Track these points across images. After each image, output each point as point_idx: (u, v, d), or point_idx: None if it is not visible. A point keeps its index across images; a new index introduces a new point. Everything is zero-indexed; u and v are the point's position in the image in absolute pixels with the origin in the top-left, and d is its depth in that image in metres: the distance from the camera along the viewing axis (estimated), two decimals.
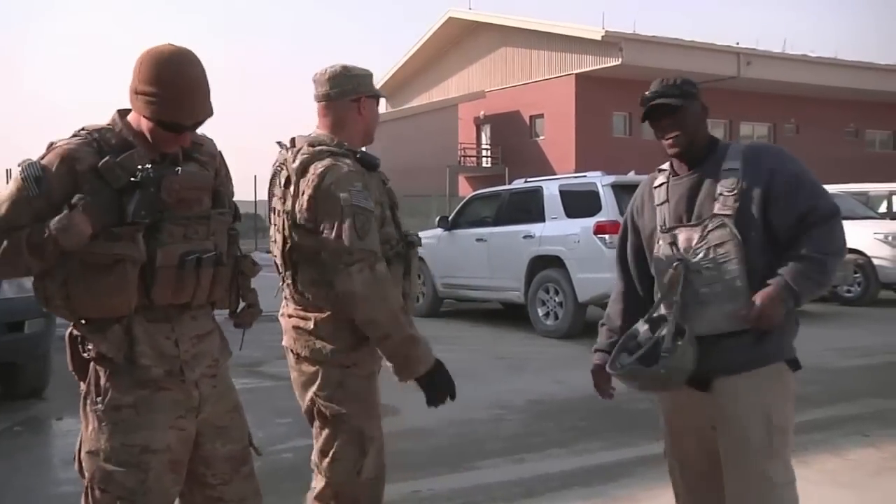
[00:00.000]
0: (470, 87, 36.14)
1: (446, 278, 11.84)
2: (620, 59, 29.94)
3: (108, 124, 2.25)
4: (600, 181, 9.95)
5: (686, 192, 2.63)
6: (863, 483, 4.44)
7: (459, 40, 37.01)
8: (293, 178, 2.64)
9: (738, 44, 32.59)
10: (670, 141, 2.62)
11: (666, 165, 2.77)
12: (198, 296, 2.29)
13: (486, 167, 36.04)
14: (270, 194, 2.81)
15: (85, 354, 2.23)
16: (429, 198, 28.98)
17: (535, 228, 10.40)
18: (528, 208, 10.67)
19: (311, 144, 2.69)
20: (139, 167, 2.14)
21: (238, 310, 2.47)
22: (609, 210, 9.67)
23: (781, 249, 2.51)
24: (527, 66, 34.23)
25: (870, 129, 38.62)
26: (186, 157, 2.32)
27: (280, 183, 2.74)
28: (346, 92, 2.75)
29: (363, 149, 2.80)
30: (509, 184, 13.16)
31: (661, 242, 2.66)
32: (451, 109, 35.13)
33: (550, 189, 10.54)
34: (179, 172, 2.21)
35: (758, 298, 2.45)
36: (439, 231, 12.06)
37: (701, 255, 2.54)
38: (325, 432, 2.78)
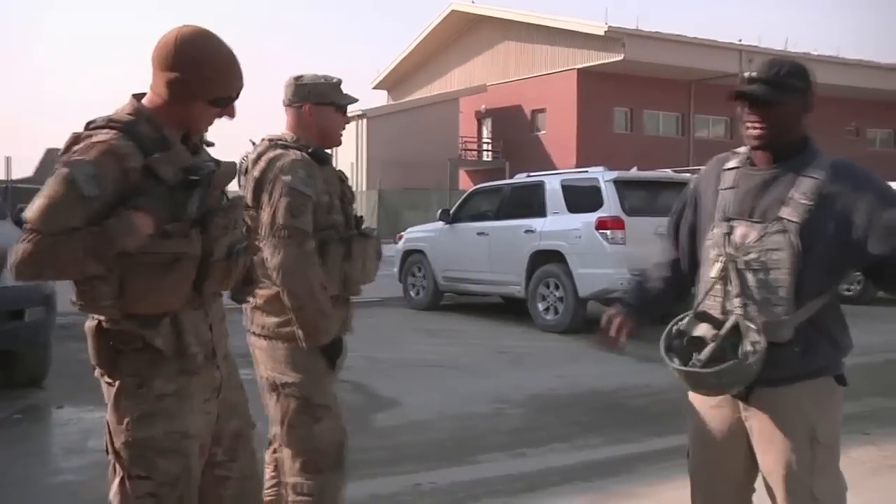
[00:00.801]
0: (471, 81, 36.11)
1: (447, 272, 11.83)
2: (623, 55, 29.92)
3: (130, 114, 2.18)
4: (602, 176, 9.94)
5: (758, 185, 2.42)
6: (862, 481, 4.44)
7: (462, 34, 36.98)
8: (249, 167, 2.99)
9: (740, 41, 32.60)
10: (755, 132, 2.39)
11: (744, 149, 2.54)
12: (233, 283, 2.37)
13: (486, 161, 36.04)
14: (239, 185, 3.06)
15: (123, 347, 2.20)
16: (429, 191, 28.98)
17: (536, 223, 10.39)
18: (530, 203, 10.66)
19: (271, 140, 3.05)
20: (193, 165, 2.17)
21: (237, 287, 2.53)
22: (611, 206, 9.66)
23: (838, 277, 2.41)
24: (529, 60, 34.20)
25: (870, 128, 38.63)
26: (196, 147, 2.33)
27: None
28: (295, 100, 3.06)
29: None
30: (510, 178, 13.14)
31: (715, 230, 2.47)
32: (452, 103, 35.10)
33: (552, 184, 10.53)
34: (221, 168, 2.26)
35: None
36: (440, 224, 12.05)
37: (752, 256, 2.36)
38: (278, 403, 2.99)
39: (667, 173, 11.50)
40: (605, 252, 9.56)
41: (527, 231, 10.44)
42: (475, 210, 11.89)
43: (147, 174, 2.10)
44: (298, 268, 2.80)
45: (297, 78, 3.08)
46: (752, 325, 2.33)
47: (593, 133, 30.93)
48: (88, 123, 2.18)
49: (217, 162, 2.30)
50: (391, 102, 39.57)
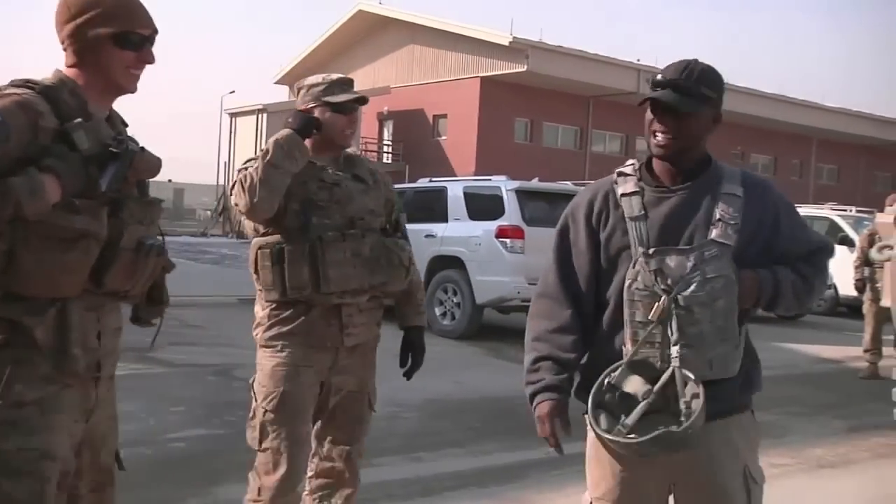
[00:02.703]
0: (375, 82, 35.99)
1: None
2: (526, 66, 30.40)
3: (52, 81, 2.01)
4: (505, 185, 10.09)
5: (676, 209, 2.20)
6: None
7: (368, 34, 36.84)
8: None
9: (638, 60, 33.58)
10: (660, 140, 2.20)
11: (628, 169, 2.31)
12: (137, 284, 2.12)
13: (386, 163, 35.95)
14: None
15: None
16: None
17: (437, 228, 10.45)
18: (432, 207, 10.71)
19: None
20: (115, 137, 2.00)
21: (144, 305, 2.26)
22: (512, 215, 9.81)
23: None
24: (433, 65, 34.34)
25: (754, 153, 40.38)
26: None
27: None
28: (299, 104, 3.05)
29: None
30: (409, 182, 13.17)
31: (638, 267, 2.16)
32: None
33: (455, 190, 10.62)
34: (145, 153, 2.09)
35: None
36: None
37: (693, 288, 2.11)
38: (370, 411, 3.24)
39: (567, 186, 11.74)
40: (503, 260, 9.70)
41: (427, 235, 10.48)
42: None
43: (61, 139, 1.90)
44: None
45: (299, 82, 3.06)
46: (691, 375, 2.08)
47: (493, 141, 31.29)
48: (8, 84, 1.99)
49: (142, 147, 2.11)
50: (292, 98, 39.05)
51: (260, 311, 3.02)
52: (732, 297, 2.13)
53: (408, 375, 3.24)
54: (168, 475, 4.44)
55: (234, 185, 2.89)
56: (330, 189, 2.97)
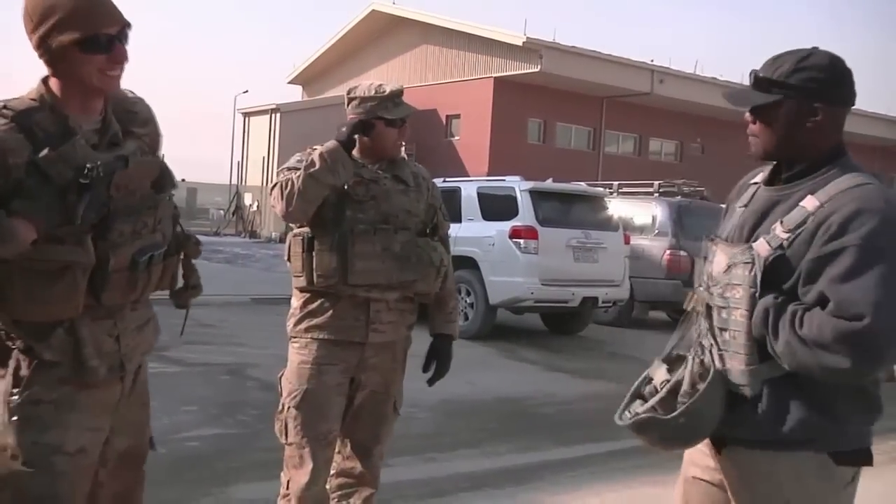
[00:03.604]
0: (388, 82, 36.01)
1: None
2: (539, 67, 30.32)
3: (33, 99, 1.96)
4: (519, 186, 10.05)
5: (762, 207, 2.01)
6: None
7: (381, 34, 36.85)
8: None
9: (652, 61, 33.45)
10: (750, 140, 2.03)
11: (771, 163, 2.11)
12: (147, 291, 2.14)
13: None
14: None
15: (10, 343, 2.00)
16: None
17: (450, 228, 10.39)
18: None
19: None
20: (88, 165, 1.92)
21: (178, 289, 2.31)
22: (526, 215, 9.78)
23: None
24: (446, 65, 34.32)
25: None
26: (126, 134, 2.11)
27: None
28: (350, 112, 3.07)
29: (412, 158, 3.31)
30: None
31: (702, 254, 2.10)
32: None
33: (468, 190, 10.59)
34: (130, 166, 2.03)
35: None
36: None
37: (719, 290, 1.97)
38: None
39: (581, 186, 11.70)
40: (517, 261, 9.67)
41: None
42: None
43: (34, 172, 1.87)
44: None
45: (349, 91, 3.07)
46: (698, 369, 1.97)
47: (507, 142, 31.23)
48: None
49: (126, 158, 2.04)
50: (305, 98, 39.11)
51: (294, 302, 3.07)
52: (746, 312, 1.90)
53: (430, 382, 3.24)
54: (181, 474, 4.43)
55: (274, 187, 2.90)
56: (367, 185, 2.99)
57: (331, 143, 2.87)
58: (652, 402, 2.01)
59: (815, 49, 1.98)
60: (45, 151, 1.88)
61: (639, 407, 2.04)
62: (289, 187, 2.83)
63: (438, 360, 3.24)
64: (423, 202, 3.14)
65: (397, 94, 3.04)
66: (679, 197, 12.63)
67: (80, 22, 1.91)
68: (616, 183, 14.19)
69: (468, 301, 10.08)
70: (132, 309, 2.14)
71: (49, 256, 1.88)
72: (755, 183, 2.12)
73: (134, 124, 2.16)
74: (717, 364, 1.97)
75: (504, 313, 10.62)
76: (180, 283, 2.33)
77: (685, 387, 1.97)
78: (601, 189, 12.36)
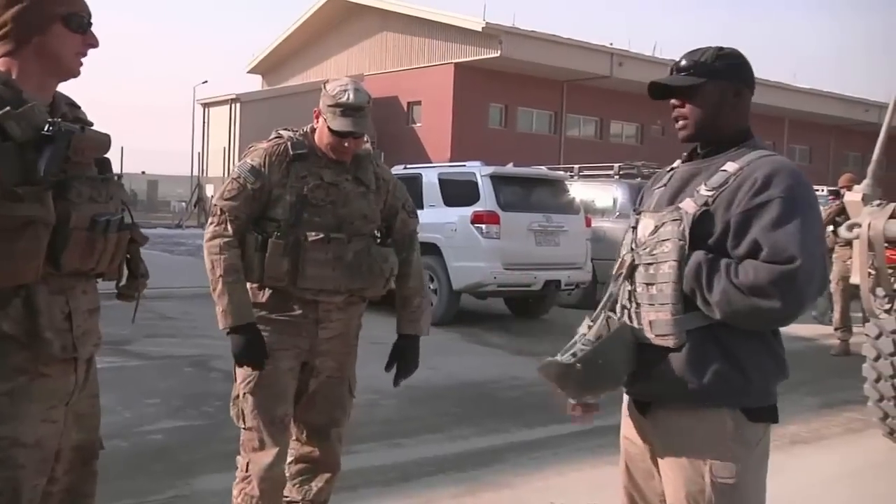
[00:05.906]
0: (349, 70, 35.81)
1: None
2: (499, 52, 30.36)
3: None
4: (479, 171, 10.10)
5: (682, 178, 2.21)
6: None
7: (340, 21, 36.64)
8: None
9: (611, 44, 33.63)
10: (678, 125, 2.21)
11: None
12: (101, 262, 2.13)
13: None
14: None
15: None
16: None
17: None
18: None
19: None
20: (49, 120, 1.96)
21: (122, 282, 2.30)
22: (487, 200, 9.83)
23: None
24: (406, 52, 34.23)
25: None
26: (73, 121, 2.13)
27: None
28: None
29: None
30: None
31: (629, 225, 2.30)
32: None
33: (430, 177, 10.62)
34: (86, 131, 2.06)
35: None
36: None
37: (647, 250, 2.14)
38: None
39: (541, 170, 11.77)
40: (479, 246, 9.73)
41: None
42: None
43: None
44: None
45: (325, 83, 3.06)
46: (611, 325, 2.17)
47: (468, 127, 31.27)
48: None
49: (83, 126, 2.08)
50: (266, 88, 38.82)
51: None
52: (676, 262, 2.06)
53: (395, 382, 3.26)
54: (145, 467, 4.43)
55: (217, 211, 2.98)
56: (327, 189, 3.00)
57: (237, 338, 2.94)
58: (564, 351, 2.17)
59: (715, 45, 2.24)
60: (5, 110, 1.90)
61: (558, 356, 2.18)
62: (210, 265, 2.97)
63: (403, 360, 3.26)
64: (380, 204, 3.14)
65: (349, 108, 2.93)
66: (639, 179, 12.75)
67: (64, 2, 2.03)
68: (577, 166, 14.34)
69: (431, 287, 10.12)
70: (83, 291, 2.14)
71: (9, 212, 1.88)
72: (671, 168, 2.33)
73: (79, 115, 2.20)
74: (635, 323, 2.15)
75: (468, 298, 10.68)
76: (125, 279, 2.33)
77: (589, 336, 2.18)
78: (562, 173, 12.46)
